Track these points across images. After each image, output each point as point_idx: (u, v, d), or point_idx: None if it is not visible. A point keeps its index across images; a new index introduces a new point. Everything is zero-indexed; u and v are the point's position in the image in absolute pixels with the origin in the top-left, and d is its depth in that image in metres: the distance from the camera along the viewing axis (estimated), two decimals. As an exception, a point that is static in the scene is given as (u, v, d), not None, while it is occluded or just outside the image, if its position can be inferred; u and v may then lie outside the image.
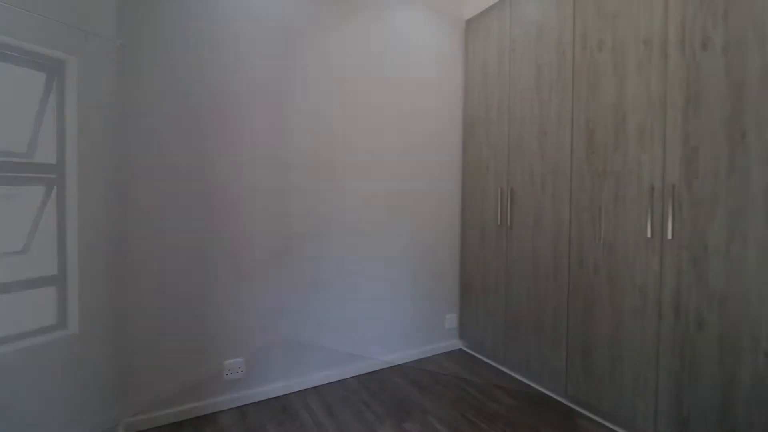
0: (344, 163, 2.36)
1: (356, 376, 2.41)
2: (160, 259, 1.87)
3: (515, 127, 2.39)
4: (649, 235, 1.70)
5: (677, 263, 1.62)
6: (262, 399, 2.12)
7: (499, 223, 2.50)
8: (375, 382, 2.34)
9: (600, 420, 1.94)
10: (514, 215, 2.39)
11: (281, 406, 2.07)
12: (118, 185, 1.76)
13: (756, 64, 1.41)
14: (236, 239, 2.04)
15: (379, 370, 2.49)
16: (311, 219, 2.26)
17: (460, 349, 2.84)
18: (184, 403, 1.94)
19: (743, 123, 1.44)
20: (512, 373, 2.45)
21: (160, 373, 1.89)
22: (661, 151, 1.67)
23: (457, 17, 2.81)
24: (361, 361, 2.45)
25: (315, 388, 2.25)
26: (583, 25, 1.99)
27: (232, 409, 2.03)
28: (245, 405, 2.06)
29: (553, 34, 2.14)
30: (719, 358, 1.50)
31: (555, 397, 2.17)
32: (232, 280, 2.04)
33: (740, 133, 1.45)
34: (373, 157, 2.47)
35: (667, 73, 1.65)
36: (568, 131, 2.06)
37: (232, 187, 2.02)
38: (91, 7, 1.59)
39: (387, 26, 2.49)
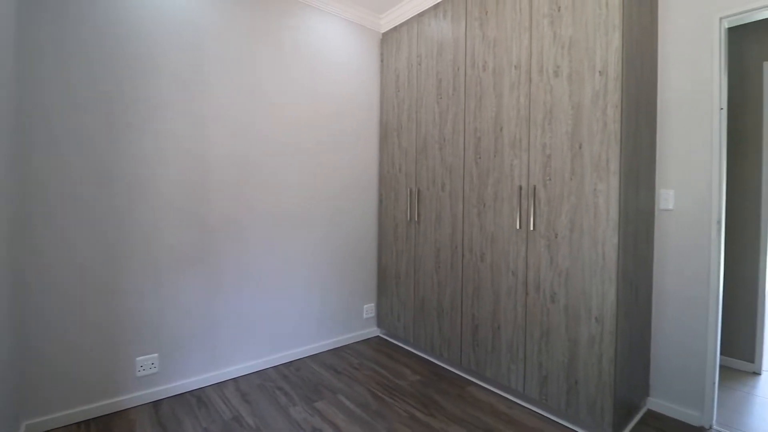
0: (263, 162, 2.47)
1: (274, 366, 2.52)
2: (65, 256, 1.85)
3: (422, 133, 2.67)
4: (518, 227, 2.04)
5: (537, 249, 1.97)
6: (178, 393, 2.16)
7: (409, 219, 2.77)
8: (292, 370, 2.48)
9: (486, 386, 2.27)
10: (421, 212, 2.67)
11: (196, 398, 2.13)
12: (18, 184, 1.72)
13: (588, 90, 1.79)
14: (148, 235, 2.06)
15: (298, 359, 2.64)
16: (228, 214, 2.34)
17: (378, 336, 3.08)
18: (92, 401, 1.93)
19: (580, 136, 1.81)
20: (421, 354, 2.73)
21: (66, 371, 1.86)
22: (527, 158, 2.02)
23: (375, 29, 3.04)
24: (280, 352, 2.58)
25: (233, 379, 2.34)
26: (472, 47, 2.31)
27: (146, 404, 2.05)
28: (160, 400, 2.10)
29: (450, 53, 2.45)
30: (566, 324, 1.87)
31: (453, 370, 2.48)
32: (144, 276, 2.06)
33: (578, 144, 1.82)
34: (294, 157, 2.60)
35: (531, 94, 2.00)
36: (461, 138, 2.37)
37: (144, 183, 2.04)
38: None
39: (312, 37, 2.64)
